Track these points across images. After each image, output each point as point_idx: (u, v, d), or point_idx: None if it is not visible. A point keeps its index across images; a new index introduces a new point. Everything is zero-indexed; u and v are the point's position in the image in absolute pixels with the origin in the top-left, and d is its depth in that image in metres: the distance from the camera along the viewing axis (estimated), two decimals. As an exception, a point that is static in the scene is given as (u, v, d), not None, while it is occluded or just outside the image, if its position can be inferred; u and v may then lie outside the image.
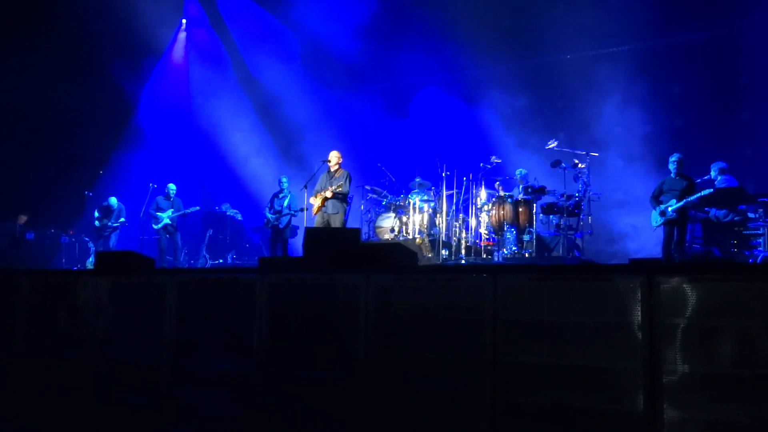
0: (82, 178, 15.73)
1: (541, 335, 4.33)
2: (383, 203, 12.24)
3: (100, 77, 15.42)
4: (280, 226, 12.17)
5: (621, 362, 4.12)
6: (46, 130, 15.05)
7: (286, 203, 12.24)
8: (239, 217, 15.82)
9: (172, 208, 13.32)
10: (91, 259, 13.95)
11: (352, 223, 11.79)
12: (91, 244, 14.49)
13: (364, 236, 12.15)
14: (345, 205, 10.45)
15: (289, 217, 12.14)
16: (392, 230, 11.55)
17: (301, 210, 11.77)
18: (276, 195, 12.51)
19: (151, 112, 16.76)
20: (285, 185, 12.47)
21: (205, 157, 16.82)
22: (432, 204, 11.58)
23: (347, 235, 5.79)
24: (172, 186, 13.48)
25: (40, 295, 5.99)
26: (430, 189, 12.09)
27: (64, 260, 14.53)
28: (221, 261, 15.00)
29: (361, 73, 15.33)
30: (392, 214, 11.76)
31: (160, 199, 13.43)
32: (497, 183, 11.55)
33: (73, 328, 5.74)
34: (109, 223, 13.85)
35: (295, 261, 5.89)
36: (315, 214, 10.43)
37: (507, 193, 10.99)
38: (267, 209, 12.43)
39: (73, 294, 5.80)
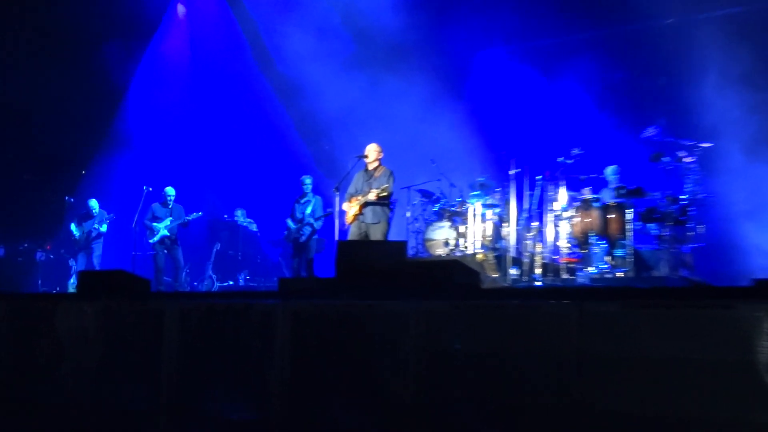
0: (61, 181, 16.14)
1: (640, 377, 4.27)
2: (435, 209, 12.23)
3: (82, 63, 15.76)
4: (302, 239, 12.27)
5: (744, 412, 4.04)
6: (17, 125, 15.46)
7: (309, 210, 12.31)
8: (254, 227, 16.00)
9: (170, 216, 13.52)
10: (72, 281, 14.25)
11: (395, 235, 11.81)
12: (72, 262, 14.80)
13: (410, 251, 12.15)
14: (388, 212, 10.47)
15: (311, 227, 12.21)
16: (446, 244, 11.53)
17: (327, 214, 11.81)
18: (298, 200, 12.61)
19: (144, 103, 17.11)
20: (308, 187, 12.57)
21: (211, 155, 17.09)
22: (497, 210, 11.53)
23: (390, 251, 5.80)
24: (170, 190, 13.68)
25: (11, 323, 6.14)
26: (495, 191, 12.04)
27: (40, 281, 14.90)
28: (231, 283, 15.19)
29: (403, 48, 15.36)
30: (446, 223, 11.74)
31: (156, 206, 13.67)
32: (583, 184, 11.44)
33: (52, 363, 5.87)
34: (91, 229, 14.17)
35: (325, 283, 5.93)
36: (349, 223, 10.47)
37: (594, 196, 10.88)
38: (289, 218, 12.55)
39: (51, 323, 5.93)
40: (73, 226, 14.48)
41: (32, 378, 5.95)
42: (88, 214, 14.47)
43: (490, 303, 4.74)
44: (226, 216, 16.28)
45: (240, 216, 16.06)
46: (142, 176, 14.95)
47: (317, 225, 12.36)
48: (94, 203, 14.49)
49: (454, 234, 11.58)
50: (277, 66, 16.75)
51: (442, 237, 11.71)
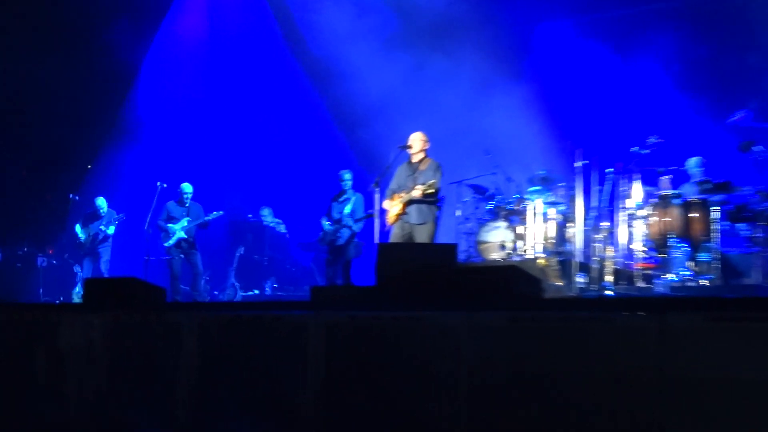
0: (64, 177, 16.31)
1: (730, 403, 4.21)
2: (489, 208, 12.18)
3: (86, 44, 15.88)
4: (340, 242, 12.28)
5: None
6: (13, 115, 15.66)
7: (348, 209, 12.31)
8: (282, 228, 16.06)
9: (187, 216, 13.61)
10: (77, 289, 14.41)
11: (444, 237, 11.77)
12: (77, 268, 14.97)
13: (461, 256, 12.07)
14: (435, 211, 10.43)
15: (349, 229, 12.22)
16: (503, 247, 11.47)
17: (368, 216, 11.79)
18: (336, 198, 12.61)
19: (156, 89, 17.24)
20: (348, 183, 12.55)
21: (234, 147, 17.15)
22: (561, 208, 11.45)
23: (439, 255, 5.79)
24: (187, 187, 13.74)
25: (9, 337, 6.23)
26: (558, 186, 11.95)
27: (41, 290, 15.05)
28: (257, 292, 15.25)
29: (452, 24, 15.29)
30: (502, 224, 11.69)
31: (171, 205, 13.75)
32: (661, 176, 11.32)
33: (56, 382, 5.94)
34: (98, 231, 14.31)
35: (363, 292, 5.94)
36: (391, 224, 10.46)
37: (674, 192, 10.76)
38: (324, 218, 12.55)
39: (55, 337, 6.00)
40: (77, 228, 14.62)
41: (32, 396, 6.02)
42: (94, 214, 14.57)
43: (553, 315, 4.71)
44: (250, 216, 16.35)
45: (266, 216, 16.11)
46: (155, 171, 15.03)
47: (356, 227, 12.32)
48: (101, 202, 14.60)
49: (511, 236, 11.51)
50: (310, 46, 16.78)
51: (497, 239, 11.65)
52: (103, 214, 14.55)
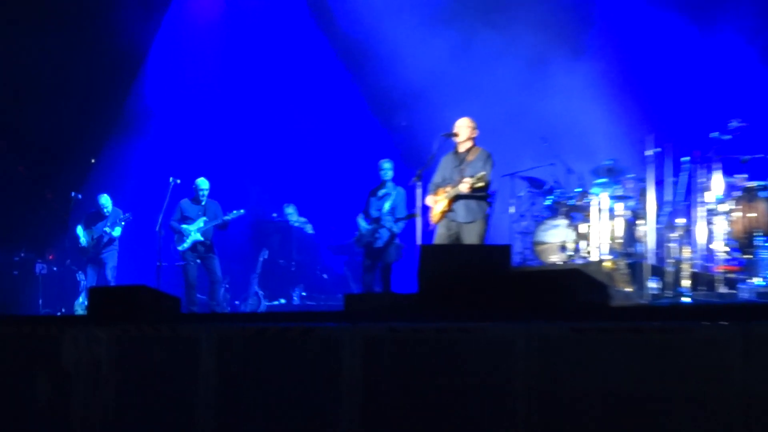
0: (64, 173, 16.44)
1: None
2: (547, 203, 12.16)
3: (89, 25, 15.99)
4: (378, 244, 12.26)
5: None
6: (12, 104, 15.75)
7: (387, 206, 12.26)
8: (310, 229, 16.08)
9: (204, 216, 13.65)
10: (81, 299, 14.51)
11: (495, 237, 11.74)
12: (80, 276, 15.07)
13: (516, 258, 12.07)
14: (486, 207, 10.40)
15: (389, 231, 12.19)
16: (563, 248, 11.44)
17: (410, 217, 11.76)
18: (374, 192, 12.56)
19: (167, 74, 17.32)
20: (388, 173, 12.45)
21: (254, 138, 17.16)
22: (630, 203, 11.39)
23: (490, 258, 5.79)
24: (203, 182, 13.73)
25: (6, 355, 6.29)
26: (627, 178, 11.89)
27: (41, 301, 15.18)
28: (283, 301, 15.30)
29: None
30: (563, 221, 11.66)
31: (185, 203, 13.78)
32: (745, 168, 11.21)
33: (58, 404, 6.00)
34: (102, 233, 14.39)
35: (405, 300, 5.95)
36: (436, 223, 10.45)
37: (760, 183, 10.66)
38: (361, 215, 12.52)
39: (56, 354, 6.06)
40: (79, 230, 14.66)
41: (33, 421, 6.09)
42: (98, 214, 14.59)
43: (622, 326, 4.70)
44: (275, 215, 16.38)
45: (291, 214, 16.12)
46: (166, 166, 15.11)
47: (397, 227, 12.27)
48: (105, 200, 14.60)
49: (572, 235, 11.50)
50: (341, 23, 16.80)
51: (557, 239, 11.66)
52: (107, 214, 14.53)
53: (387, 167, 12.47)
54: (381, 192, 12.47)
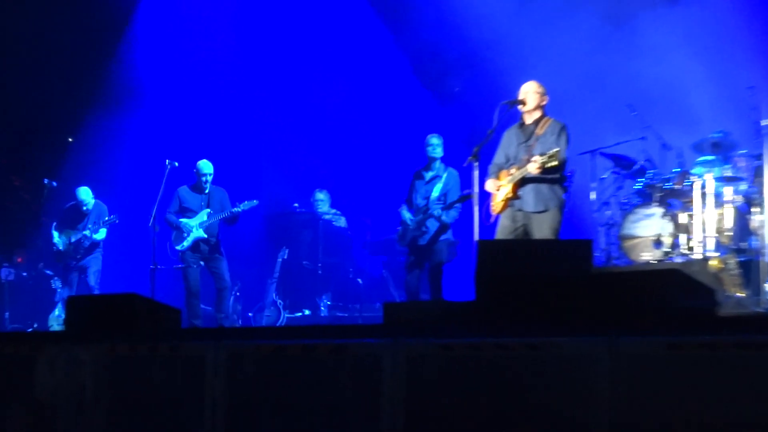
0: (37, 156, 16.54)
1: None
2: (638, 187, 12.15)
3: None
4: (424, 240, 12.22)
5: None
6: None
7: (436, 192, 12.20)
8: (342, 222, 16.08)
9: (208, 207, 13.67)
10: (57, 312, 14.60)
11: (572, 230, 11.72)
12: (57, 282, 15.17)
13: (599, 256, 12.10)
14: (561, 193, 10.34)
15: (438, 221, 12.14)
16: (658, 243, 11.42)
17: (464, 200, 11.71)
18: (419, 174, 12.50)
19: (159, 36, 17.36)
20: (437, 151, 12.35)
21: (270, 111, 17.20)
22: (743, 187, 11.37)
23: (566, 256, 5.76)
24: (205, 166, 13.72)
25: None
26: (738, 155, 11.83)
27: (7, 314, 15.33)
28: (308, 312, 15.33)
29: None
30: (657, 210, 11.63)
31: (184, 192, 13.80)
32: None
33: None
34: (81, 237, 14.44)
35: (459, 309, 5.93)
36: (498, 213, 10.42)
37: None
38: (404, 206, 12.49)
39: (30, 378, 6.10)
40: (54, 232, 14.73)
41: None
42: (76, 211, 14.65)
43: (732, 341, 4.68)
44: (296, 205, 16.39)
45: (321, 203, 16.07)
46: (161, 145, 15.23)
47: (449, 217, 12.20)
48: (86, 194, 14.56)
49: (670, 227, 11.49)
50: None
51: (650, 232, 11.65)
52: (87, 212, 14.60)
53: (435, 143, 12.34)
54: (428, 174, 12.37)
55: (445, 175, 12.27)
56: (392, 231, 13.03)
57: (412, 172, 12.71)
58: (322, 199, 16.08)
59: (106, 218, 14.48)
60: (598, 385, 4.83)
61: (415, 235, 12.29)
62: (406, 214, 12.40)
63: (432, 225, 12.20)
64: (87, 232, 14.47)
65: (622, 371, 4.80)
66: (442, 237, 12.26)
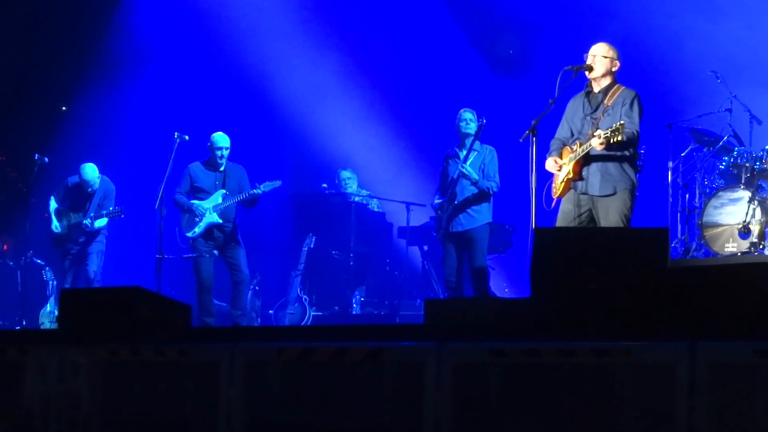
0: (25, 128, 16.60)
1: None
2: (722, 167, 12.10)
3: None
4: (458, 227, 12.14)
5: None
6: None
7: (470, 165, 12.15)
8: (374, 205, 16.06)
9: (223, 188, 13.66)
10: (50, 308, 14.66)
11: (645, 217, 11.68)
12: (48, 273, 15.23)
13: (677, 249, 12.06)
14: (633, 173, 10.27)
15: (475, 185, 12.06)
16: (745, 232, 11.36)
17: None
18: (451, 156, 12.44)
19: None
20: (470, 128, 12.32)
21: (292, 81, 17.17)
22: None
23: (639, 247, 5.73)
24: (221, 139, 13.68)
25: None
26: None
27: (-7, 309, 15.44)
28: (336, 309, 15.35)
29: None
30: (745, 194, 11.60)
31: (196, 169, 13.75)
32: None
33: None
34: (86, 221, 14.43)
35: (512, 308, 5.92)
36: (559, 196, 10.37)
37: None
38: (436, 196, 12.46)
39: (17, 385, 6.13)
40: (53, 206, 14.70)
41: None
42: (79, 191, 14.63)
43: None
44: (325, 186, 16.37)
45: (349, 183, 16.04)
46: (168, 116, 15.25)
47: (485, 183, 12.13)
48: (91, 172, 14.42)
49: (759, 213, 11.44)
50: None
51: (736, 220, 11.61)
52: (93, 191, 14.54)
53: (469, 118, 12.28)
54: (462, 153, 12.30)
55: (479, 153, 12.21)
56: (434, 216, 13.01)
57: (445, 146, 12.72)
58: (349, 177, 16.08)
59: (111, 208, 14.42)
60: (676, 398, 4.82)
61: (449, 220, 12.21)
62: (436, 200, 12.39)
63: (466, 197, 12.09)
64: (87, 221, 14.37)
65: (704, 381, 4.79)
66: (483, 219, 12.17)
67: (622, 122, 9.65)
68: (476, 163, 12.13)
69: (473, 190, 12.08)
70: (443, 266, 12.51)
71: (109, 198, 14.56)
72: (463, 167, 11.96)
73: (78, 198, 14.65)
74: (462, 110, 12.48)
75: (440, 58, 16.62)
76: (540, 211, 10.01)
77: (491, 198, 12.15)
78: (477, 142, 12.26)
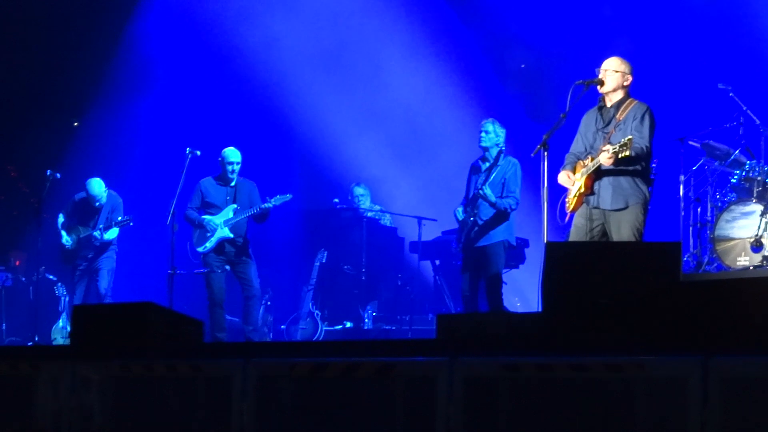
0: (38, 143, 16.61)
1: None
2: (734, 181, 12.08)
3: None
4: (476, 242, 12.13)
5: None
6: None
7: (492, 181, 12.14)
8: (387, 220, 16.06)
9: (234, 203, 13.67)
10: (62, 323, 14.66)
11: (656, 231, 11.66)
12: (61, 289, 15.23)
13: (689, 262, 12.03)
14: (645, 188, 10.26)
15: (492, 205, 12.04)
16: (758, 246, 11.34)
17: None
18: (475, 167, 12.42)
19: (180, 10, 17.43)
20: (493, 139, 12.26)
21: (303, 95, 17.16)
22: None
23: (651, 261, 5.73)
24: (233, 154, 13.70)
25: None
26: None
27: (4, 325, 15.40)
28: (349, 324, 15.33)
29: None
30: (757, 207, 11.57)
31: (207, 184, 13.77)
32: None
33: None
34: (95, 233, 14.42)
35: (524, 322, 5.92)
36: (572, 211, 10.36)
37: None
38: (459, 207, 12.42)
39: (29, 400, 6.13)
40: (61, 220, 14.66)
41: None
42: (87, 206, 14.67)
43: None
44: (336, 201, 16.37)
45: (362, 198, 16.05)
46: (181, 132, 15.25)
47: (503, 203, 12.09)
48: (98, 187, 14.45)
49: (773, 228, 11.41)
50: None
51: (748, 233, 11.56)
52: (100, 206, 14.57)
53: (491, 129, 12.21)
54: (485, 165, 12.26)
55: (501, 167, 12.15)
56: (446, 230, 12.99)
57: (468, 160, 12.64)
58: (362, 194, 16.05)
59: (120, 218, 14.39)
60: (689, 412, 4.82)
61: (468, 235, 12.21)
62: (460, 215, 12.32)
63: (485, 215, 12.07)
64: (97, 233, 14.35)
65: (717, 396, 4.79)
66: (499, 236, 12.16)
67: (630, 137, 9.60)
68: (498, 179, 12.07)
69: (492, 209, 12.06)
70: (462, 279, 12.48)
71: (117, 210, 14.52)
72: (481, 190, 11.93)
73: (86, 213, 14.64)
74: (484, 121, 12.30)
75: (453, 72, 16.59)
76: (553, 226, 9.98)
77: (510, 215, 12.08)
78: (500, 153, 12.18)
